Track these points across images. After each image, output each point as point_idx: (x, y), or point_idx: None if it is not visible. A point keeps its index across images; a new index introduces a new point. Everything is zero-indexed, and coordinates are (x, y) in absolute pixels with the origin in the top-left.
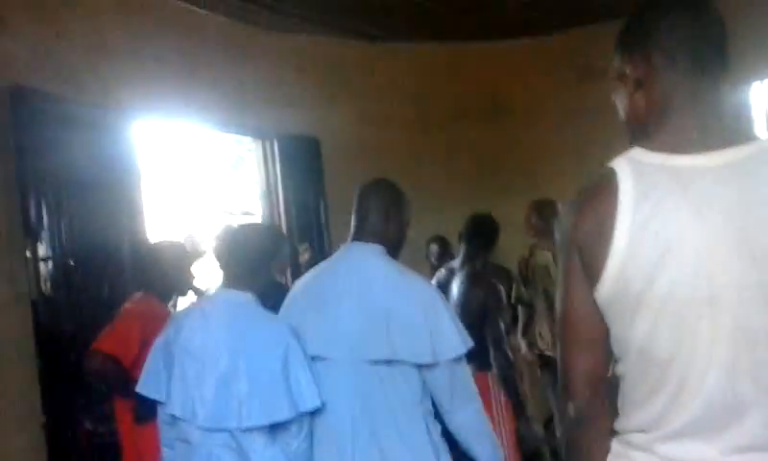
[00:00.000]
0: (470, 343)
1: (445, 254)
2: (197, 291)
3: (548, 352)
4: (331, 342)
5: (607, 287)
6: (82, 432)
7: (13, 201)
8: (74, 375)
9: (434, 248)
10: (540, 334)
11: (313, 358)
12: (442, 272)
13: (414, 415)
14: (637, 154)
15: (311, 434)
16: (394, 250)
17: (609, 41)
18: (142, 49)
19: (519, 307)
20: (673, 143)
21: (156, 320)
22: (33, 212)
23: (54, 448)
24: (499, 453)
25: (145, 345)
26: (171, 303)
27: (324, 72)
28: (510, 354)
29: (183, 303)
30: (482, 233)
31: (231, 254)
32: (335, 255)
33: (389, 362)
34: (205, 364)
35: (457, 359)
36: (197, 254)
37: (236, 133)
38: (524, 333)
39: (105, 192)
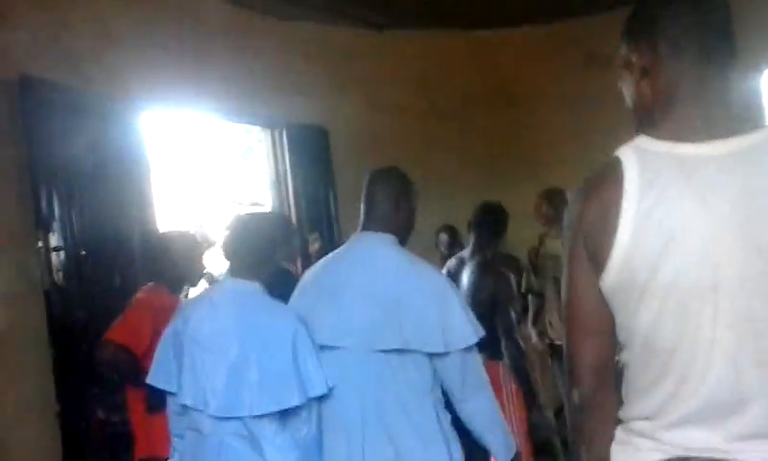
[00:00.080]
0: (482, 332)
1: (455, 244)
2: (210, 278)
3: (558, 342)
4: (342, 331)
5: (612, 276)
6: (95, 421)
7: (25, 192)
8: (87, 364)
9: (443, 237)
10: (551, 323)
11: (324, 348)
12: (452, 261)
13: (424, 404)
14: (643, 142)
15: (320, 420)
16: (402, 238)
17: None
18: (148, 38)
19: (530, 297)
20: (678, 131)
21: (167, 310)
22: (44, 203)
23: (68, 437)
24: (511, 441)
25: (156, 335)
26: (182, 293)
27: (333, 61)
28: (521, 344)
29: (194, 293)
30: (491, 222)
31: (243, 242)
32: (345, 245)
33: (400, 351)
34: (215, 353)
35: (468, 348)
36: (207, 245)
37: (245, 123)
38: (534, 323)
39: (114, 183)
